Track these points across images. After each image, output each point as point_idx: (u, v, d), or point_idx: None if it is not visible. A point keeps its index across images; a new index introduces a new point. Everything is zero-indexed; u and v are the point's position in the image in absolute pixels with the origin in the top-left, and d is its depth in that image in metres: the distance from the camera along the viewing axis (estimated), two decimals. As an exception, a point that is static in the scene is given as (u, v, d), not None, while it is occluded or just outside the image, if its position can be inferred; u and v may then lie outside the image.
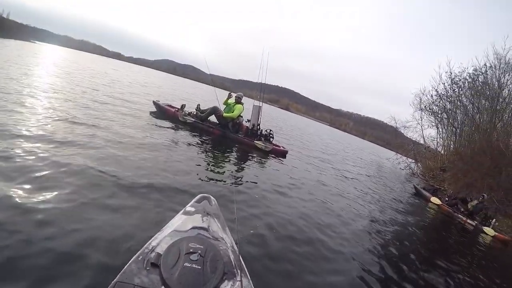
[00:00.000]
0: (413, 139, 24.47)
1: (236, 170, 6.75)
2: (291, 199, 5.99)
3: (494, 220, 11.06)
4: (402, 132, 25.31)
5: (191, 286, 1.61)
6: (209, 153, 7.52)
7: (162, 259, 1.76)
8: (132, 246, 2.57)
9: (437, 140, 22.72)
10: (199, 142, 8.41)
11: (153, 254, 1.82)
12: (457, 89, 20.94)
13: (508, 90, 17.95)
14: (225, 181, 5.65)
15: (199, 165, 6.20)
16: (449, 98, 21.45)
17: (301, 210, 5.56)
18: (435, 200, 12.83)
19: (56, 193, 3.33)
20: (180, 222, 2.28)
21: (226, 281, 1.77)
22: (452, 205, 12.29)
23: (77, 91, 10.54)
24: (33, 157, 4.06)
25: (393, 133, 26.34)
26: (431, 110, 22.64)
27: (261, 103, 11.08)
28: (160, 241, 1.99)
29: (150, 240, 2.04)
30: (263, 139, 10.63)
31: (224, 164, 7.03)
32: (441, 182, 17.49)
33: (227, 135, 10.24)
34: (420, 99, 22.96)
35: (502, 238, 10.00)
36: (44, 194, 3.23)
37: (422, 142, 23.65)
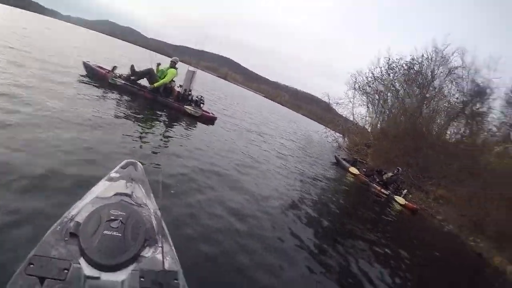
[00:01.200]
0: (343, 115, 25.76)
1: (164, 136, 6.78)
2: (216, 167, 6.05)
3: (405, 190, 12.20)
4: (334, 108, 26.45)
5: (111, 255, 1.56)
6: (138, 118, 7.36)
7: (81, 228, 1.69)
8: (54, 218, 2.16)
9: (366, 119, 24.26)
10: (128, 105, 8.27)
11: (72, 224, 1.75)
12: (392, 74, 22.18)
13: (440, 81, 19.67)
14: (152, 147, 5.64)
15: (127, 130, 6.07)
16: (383, 82, 22.71)
17: (225, 179, 5.61)
18: (353, 170, 13.51)
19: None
20: (103, 188, 2.22)
21: (147, 247, 1.75)
22: (369, 175, 13.14)
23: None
24: None
25: (326, 109, 27.08)
26: (364, 90, 23.94)
27: (195, 68, 11.07)
28: (81, 209, 1.91)
29: (70, 209, 1.95)
30: (193, 104, 10.52)
31: (152, 129, 7.00)
32: (365, 157, 18.71)
33: (157, 99, 9.95)
34: (355, 79, 24.11)
35: (411, 207, 11.14)
36: None
37: (351, 119, 24.93)
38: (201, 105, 10.70)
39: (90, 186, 2.33)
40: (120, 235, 1.67)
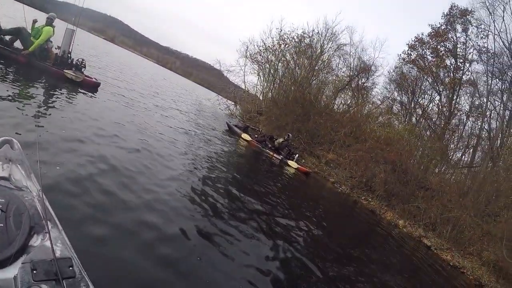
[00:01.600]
0: (235, 83, 25.41)
1: (42, 106, 5.87)
2: (101, 139, 5.36)
3: (297, 155, 12.70)
4: (226, 75, 25.93)
5: None
6: (10, 87, 6.18)
7: None
8: None
9: (257, 87, 24.14)
10: (-1, 72, 7.15)
11: None
12: (283, 45, 22.40)
13: (328, 56, 20.96)
14: (29, 120, 4.83)
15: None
16: (274, 52, 22.84)
17: (111, 152, 4.98)
18: (245, 136, 13.33)
19: None
20: None
21: (35, 235, 1.58)
22: (261, 141, 13.11)
23: None
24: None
25: (218, 76, 26.39)
26: (255, 59, 23.67)
27: (75, 26, 9.63)
28: None
29: None
30: (73, 68, 9.27)
31: (28, 99, 6.01)
32: (257, 124, 18.55)
33: (33, 64, 8.55)
34: (247, 47, 23.36)
35: (304, 170, 11.61)
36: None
37: (243, 87, 24.58)
38: (83, 69, 9.48)
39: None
40: (2, 225, 1.47)
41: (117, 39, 72.03)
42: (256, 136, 13.63)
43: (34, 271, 1.34)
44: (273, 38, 22.38)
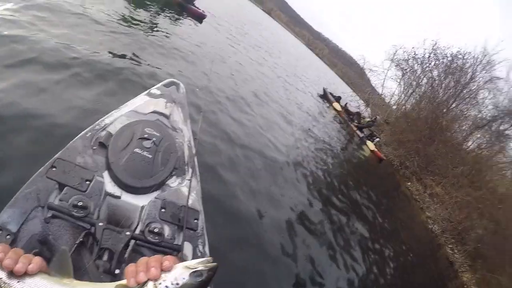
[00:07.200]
0: (373, 85, 24.40)
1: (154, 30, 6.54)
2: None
3: (378, 139, 12.94)
4: (368, 75, 24.99)
5: (137, 176, 1.48)
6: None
7: (112, 139, 1.58)
8: (85, 123, 2.02)
9: (394, 96, 22.28)
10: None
11: (103, 133, 1.64)
12: (433, 60, 19.67)
13: (477, 85, 17.67)
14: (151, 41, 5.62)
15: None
16: (422, 64, 20.28)
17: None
18: (336, 105, 14.16)
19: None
20: (142, 103, 2.05)
21: (174, 177, 1.67)
22: (349, 114, 13.86)
23: None
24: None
25: (359, 73, 25.15)
26: (400, 65, 21.58)
27: None
28: (115, 119, 1.78)
29: (104, 117, 1.81)
30: None
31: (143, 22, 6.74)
32: (380, 132, 17.22)
33: None
34: (396, 51, 21.59)
35: (379, 155, 11.55)
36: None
37: (380, 91, 23.16)
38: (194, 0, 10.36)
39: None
40: (151, 156, 1.54)
41: (274, 12, 72.29)
42: (345, 108, 14.36)
43: (162, 209, 1.41)
44: (425, 49, 19.81)
